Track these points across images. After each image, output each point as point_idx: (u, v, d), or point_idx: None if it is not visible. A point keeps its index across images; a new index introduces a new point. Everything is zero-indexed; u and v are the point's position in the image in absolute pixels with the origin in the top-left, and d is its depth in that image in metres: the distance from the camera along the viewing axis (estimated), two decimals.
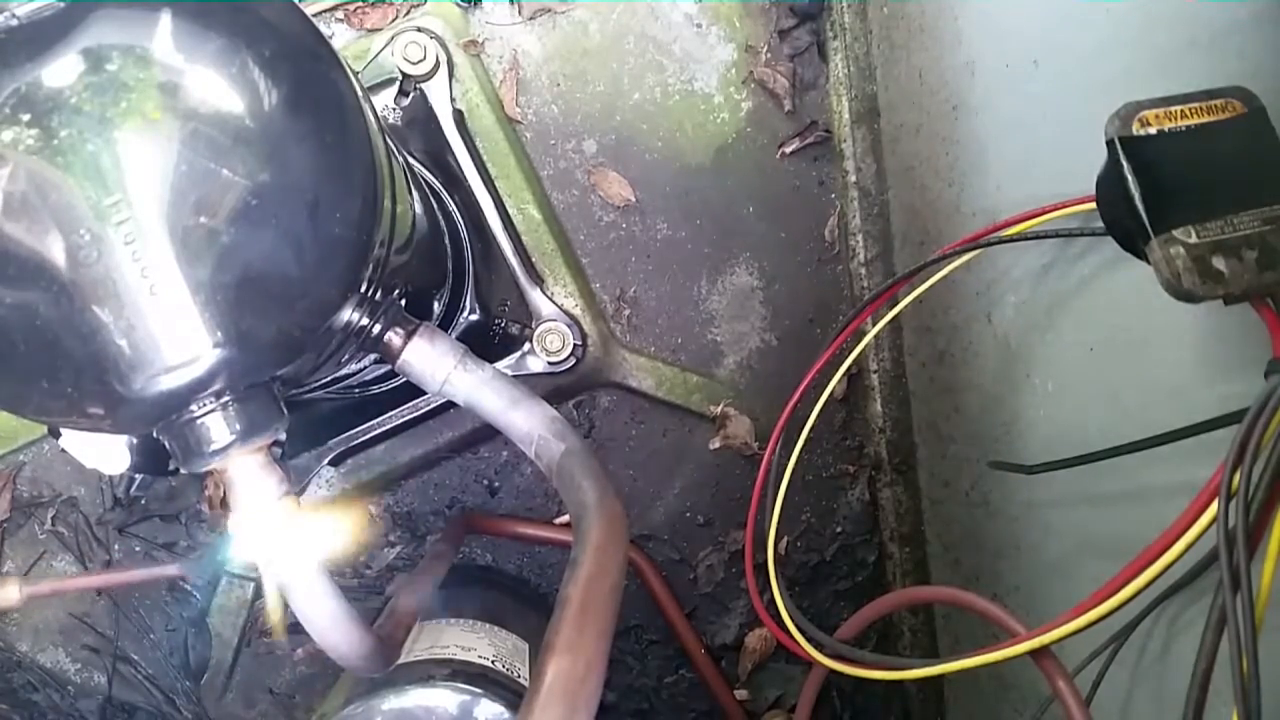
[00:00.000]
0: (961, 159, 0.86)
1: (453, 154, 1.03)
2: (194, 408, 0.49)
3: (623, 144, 1.10)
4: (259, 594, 1.11)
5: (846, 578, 1.16)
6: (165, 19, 0.47)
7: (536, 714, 0.39)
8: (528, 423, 0.60)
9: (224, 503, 1.12)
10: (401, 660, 0.77)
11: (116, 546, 1.10)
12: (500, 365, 0.98)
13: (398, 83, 1.00)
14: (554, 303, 1.05)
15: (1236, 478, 0.45)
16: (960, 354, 0.94)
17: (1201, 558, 0.57)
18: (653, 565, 1.13)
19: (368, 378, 0.95)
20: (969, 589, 0.88)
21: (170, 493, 1.09)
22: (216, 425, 0.49)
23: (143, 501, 1.09)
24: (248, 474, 0.51)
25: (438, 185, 1.03)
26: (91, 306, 0.46)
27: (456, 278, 0.99)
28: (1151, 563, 0.51)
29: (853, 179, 1.09)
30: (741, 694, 1.14)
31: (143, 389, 0.47)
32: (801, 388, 0.88)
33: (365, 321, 0.57)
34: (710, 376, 1.12)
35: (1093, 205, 0.54)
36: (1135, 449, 0.62)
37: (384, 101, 1.01)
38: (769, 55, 1.10)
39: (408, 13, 1.05)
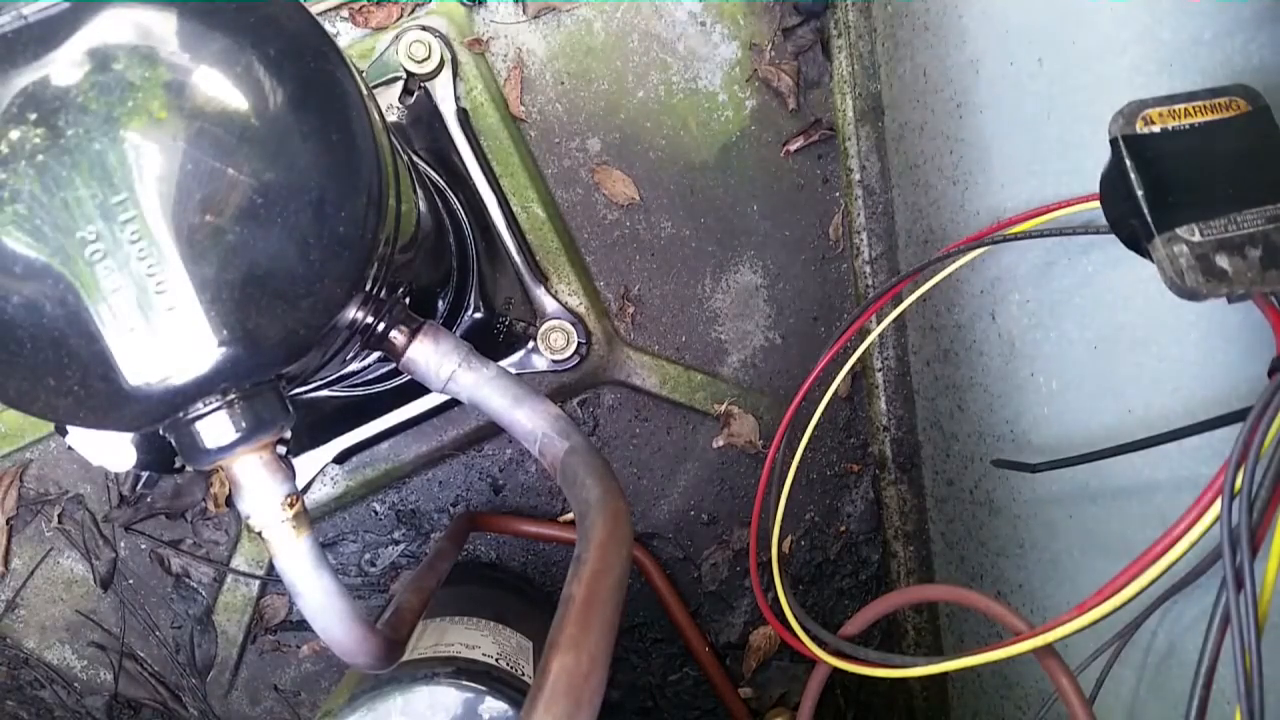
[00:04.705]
0: (966, 157, 0.86)
1: (457, 152, 1.03)
2: (199, 405, 0.49)
3: (627, 142, 1.10)
4: (264, 591, 1.11)
5: (850, 576, 1.16)
6: (171, 18, 0.47)
7: (540, 711, 0.39)
8: (531, 420, 0.60)
9: (229, 500, 1.13)
10: (406, 658, 0.77)
11: (123, 544, 1.10)
12: (504, 363, 0.98)
13: (402, 81, 1.00)
14: (558, 301, 1.05)
15: (1240, 476, 0.45)
16: (964, 352, 0.94)
17: (1205, 556, 0.57)
18: (657, 563, 1.13)
19: (372, 375, 0.95)
20: (972, 587, 0.88)
21: (176, 490, 1.09)
22: (222, 423, 0.49)
23: (148, 499, 1.09)
24: (253, 471, 0.51)
25: (442, 184, 1.03)
26: (98, 304, 0.46)
27: (461, 276, 0.99)
28: (1155, 561, 0.51)
29: (857, 177, 1.09)
30: (746, 692, 1.14)
31: (148, 387, 0.47)
32: (806, 386, 0.88)
33: (370, 319, 0.57)
34: (714, 375, 1.12)
35: (1097, 203, 0.54)
36: (1138, 447, 0.62)
37: (389, 100, 1.01)
38: (773, 53, 1.10)
39: (412, 11, 1.06)
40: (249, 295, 0.48)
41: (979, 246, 0.77)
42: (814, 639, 0.82)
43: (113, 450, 0.60)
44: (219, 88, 0.47)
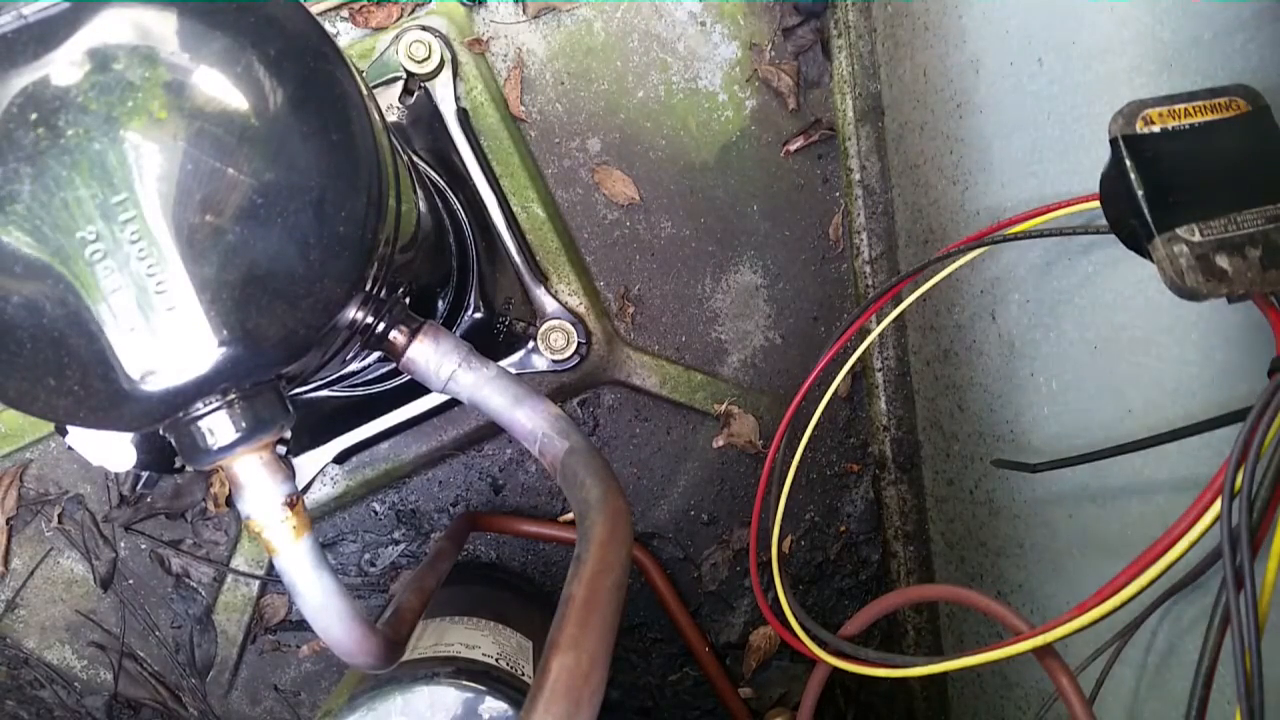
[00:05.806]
0: (966, 157, 0.86)
1: (457, 152, 1.03)
2: (199, 405, 0.49)
3: (627, 142, 1.10)
4: (264, 591, 1.11)
5: (850, 576, 1.16)
6: (171, 18, 0.47)
7: (540, 711, 0.39)
8: (531, 420, 0.60)
9: (229, 500, 1.13)
10: (406, 658, 0.77)
11: (123, 544, 1.10)
12: (504, 363, 0.98)
13: (402, 81, 1.00)
14: (558, 301, 1.05)
15: (1240, 476, 0.45)
16: (964, 352, 0.94)
17: (1205, 556, 0.57)
18: (657, 563, 1.13)
19: (372, 375, 0.95)
20: (972, 587, 0.88)
21: (176, 490, 1.09)
22: (222, 423, 0.49)
23: (148, 499, 1.09)
24: (253, 471, 0.51)
25: (442, 184, 1.03)
26: (97, 304, 0.46)
27: (461, 276, 0.99)
28: (1155, 561, 0.51)
29: (857, 177, 1.09)
30: (746, 692, 1.14)
31: (148, 387, 0.48)
32: (806, 386, 0.88)
33: (370, 319, 0.57)
34: (714, 375, 1.12)
35: (1096, 203, 0.54)
36: (1138, 447, 0.62)
37: (389, 100, 1.01)
38: (773, 53, 1.10)
39: (412, 11, 1.06)
40: (249, 295, 0.48)
41: (979, 246, 0.77)
42: (814, 639, 0.82)
43: (113, 450, 0.60)
44: (219, 88, 0.47)
